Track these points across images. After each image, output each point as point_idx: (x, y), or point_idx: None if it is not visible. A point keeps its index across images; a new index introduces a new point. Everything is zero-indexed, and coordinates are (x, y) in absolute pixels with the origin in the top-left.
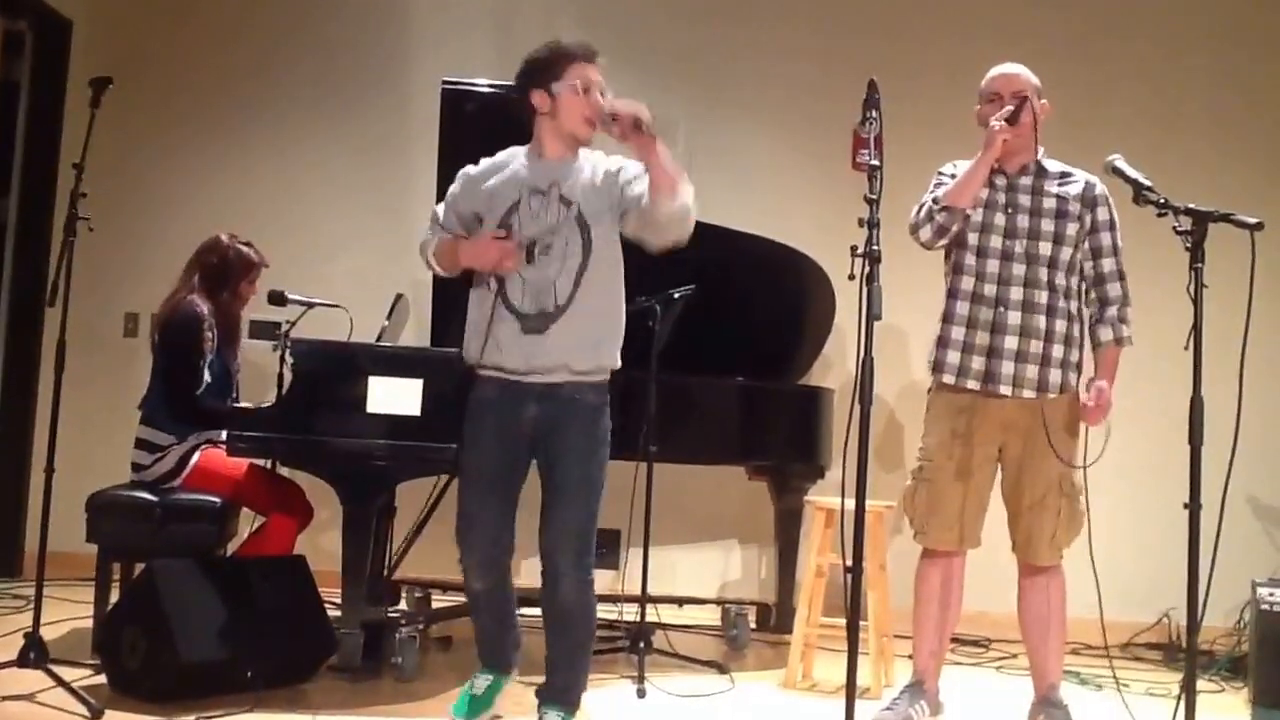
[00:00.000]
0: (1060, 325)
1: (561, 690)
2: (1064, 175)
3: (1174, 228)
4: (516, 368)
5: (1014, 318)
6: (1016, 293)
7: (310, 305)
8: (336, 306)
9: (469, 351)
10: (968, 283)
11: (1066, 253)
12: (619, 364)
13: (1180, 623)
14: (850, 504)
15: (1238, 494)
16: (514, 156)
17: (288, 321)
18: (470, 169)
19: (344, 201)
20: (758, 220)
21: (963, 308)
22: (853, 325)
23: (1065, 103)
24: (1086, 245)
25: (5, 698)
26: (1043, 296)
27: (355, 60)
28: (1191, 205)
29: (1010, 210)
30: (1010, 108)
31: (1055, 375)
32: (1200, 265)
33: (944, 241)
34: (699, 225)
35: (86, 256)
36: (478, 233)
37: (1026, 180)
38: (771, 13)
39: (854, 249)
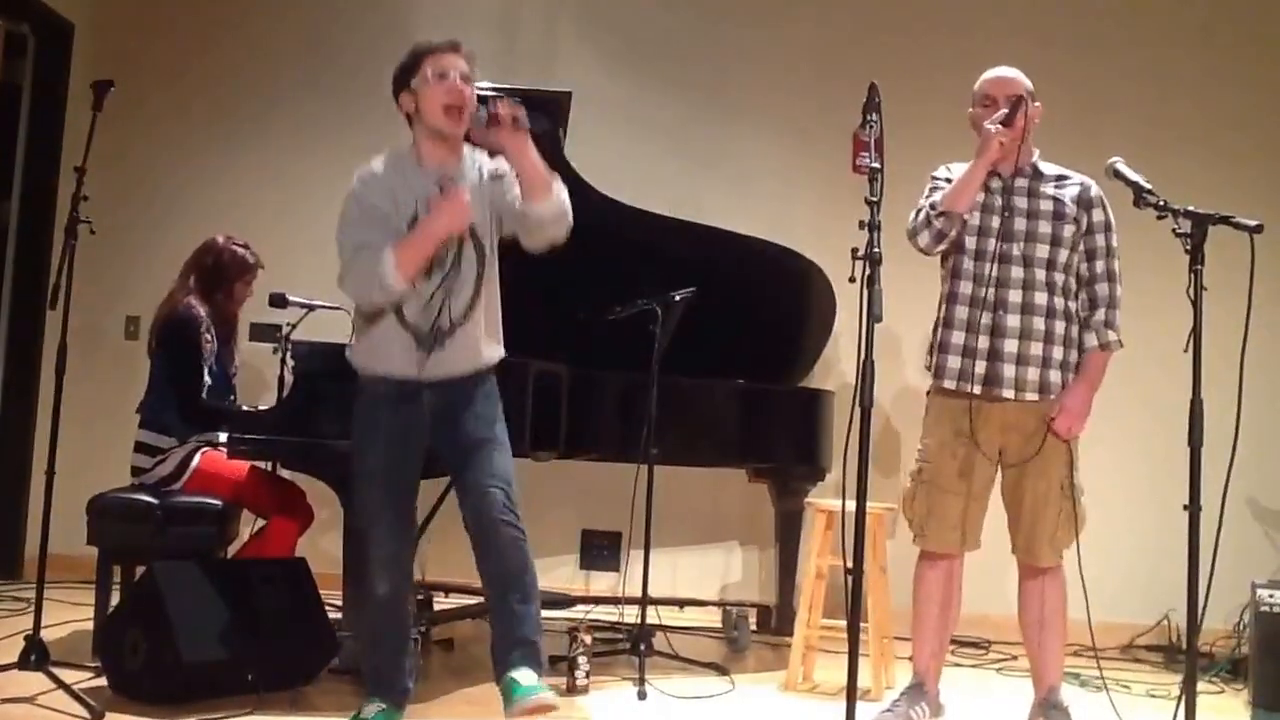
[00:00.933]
0: (1059, 327)
1: (527, 646)
2: (1060, 177)
3: (1173, 230)
4: (409, 377)
5: (1013, 320)
6: (1015, 295)
7: (311, 308)
8: (338, 309)
9: (356, 360)
10: (966, 286)
11: (1064, 254)
12: (504, 353)
13: (1180, 624)
14: (850, 506)
15: (1237, 496)
16: (400, 160)
17: (289, 324)
18: (364, 170)
19: None
20: (758, 222)
21: (962, 312)
22: (852, 328)
23: (1064, 105)
24: (1082, 247)
25: (6, 700)
26: (1041, 298)
27: (356, 63)
28: (1191, 208)
29: (1007, 213)
30: (1005, 110)
31: (1056, 376)
32: (1200, 268)
33: (942, 246)
34: (699, 227)
35: (87, 259)
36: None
37: (1023, 182)
38: (772, 16)
39: (854, 251)
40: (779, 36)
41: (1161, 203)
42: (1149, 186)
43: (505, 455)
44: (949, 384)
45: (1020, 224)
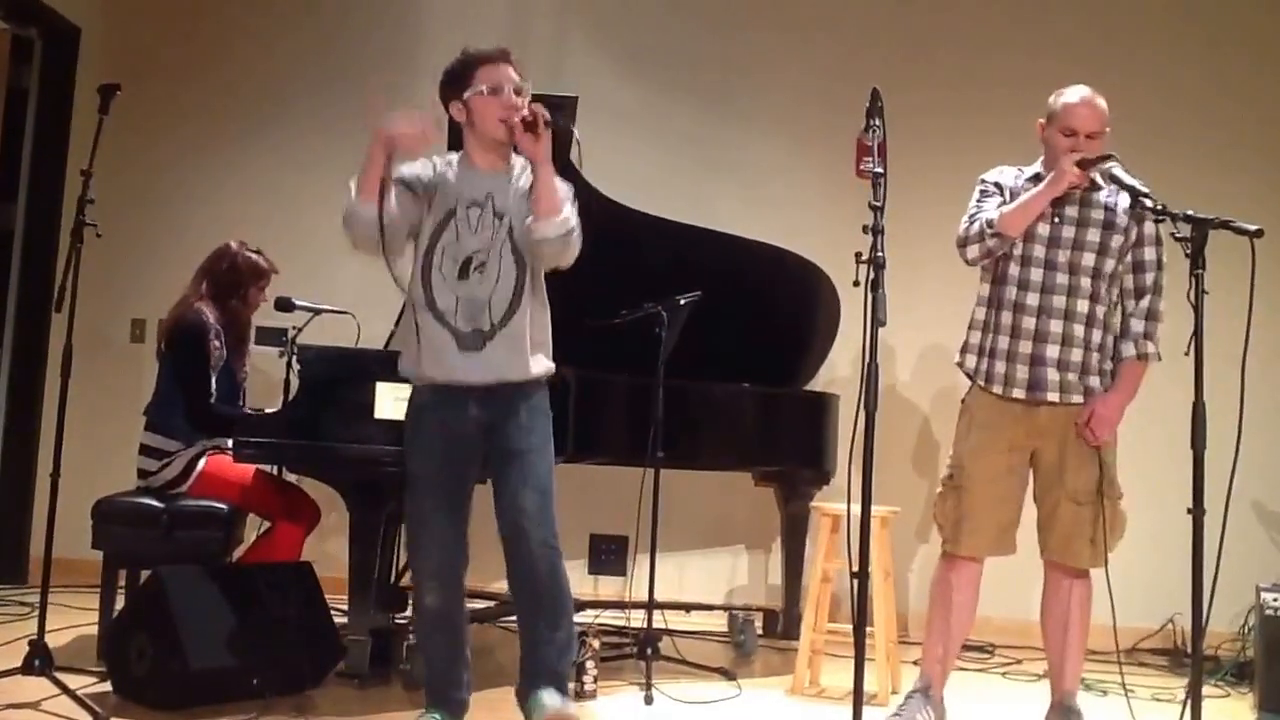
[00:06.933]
0: (1097, 335)
1: (550, 667)
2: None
3: (1173, 234)
4: (452, 380)
5: (1056, 326)
6: (1059, 301)
7: (317, 311)
8: (344, 313)
9: (404, 367)
10: (1011, 292)
11: (1110, 264)
12: (554, 367)
13: (1185, 628)
14: (856, 509)
15: (1241, 499)
16: (450, 163)
17: (294, 328)
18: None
19: None
20: (764, 227)
21: (1007, 317)
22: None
23: None
24: (1129, 258)
25: (10, 705)
26: (1084, 306)
27: (363, 68)
28: (1191, 211)
29: (1056, 220)
30: (1086, 156)
31: (1095, 382)
32: (1200, 271)
33: (986, 262)
34: (705, 231)
35: (93, 262)
36: (410, 211)
37: (1075, 190)
38: (779, 24)
39: (858, 255)
40: (786, 43)
41: (1160, 206)
42: (1146, 190)
43: (544, 467)
44: (997, 389)
45: (1069, 231)
